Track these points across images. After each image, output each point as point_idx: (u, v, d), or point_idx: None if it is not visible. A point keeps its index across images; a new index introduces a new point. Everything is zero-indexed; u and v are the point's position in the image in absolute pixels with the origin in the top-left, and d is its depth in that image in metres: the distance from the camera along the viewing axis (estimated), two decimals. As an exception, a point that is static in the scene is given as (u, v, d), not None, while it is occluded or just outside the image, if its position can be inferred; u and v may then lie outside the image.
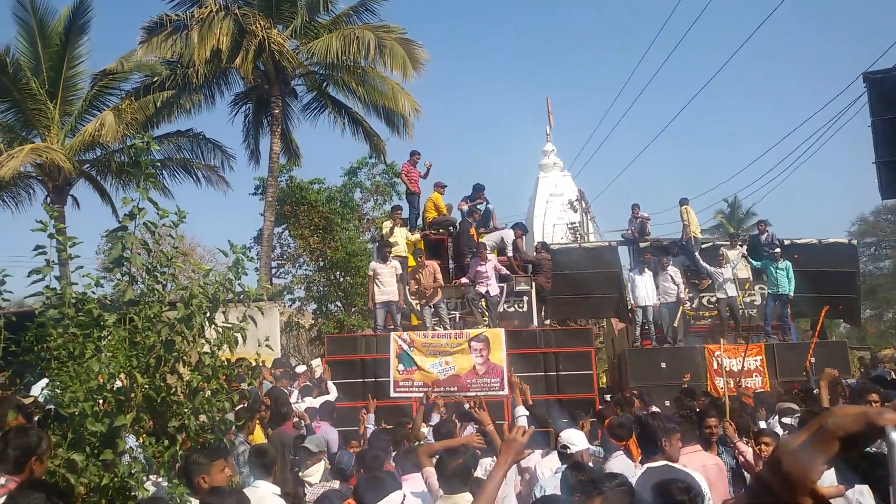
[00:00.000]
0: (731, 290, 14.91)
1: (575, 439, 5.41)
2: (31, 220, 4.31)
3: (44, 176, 20.96)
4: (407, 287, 13.02)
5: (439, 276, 12.84)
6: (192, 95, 21.60)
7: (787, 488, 0.88)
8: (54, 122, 20.80)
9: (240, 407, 6.63)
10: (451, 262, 14.71)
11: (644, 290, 14.63)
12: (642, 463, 4.85)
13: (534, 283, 13.97)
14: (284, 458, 7.02)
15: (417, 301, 12.82)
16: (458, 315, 13.72)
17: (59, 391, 4.40)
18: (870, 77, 8.75)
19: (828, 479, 1.58)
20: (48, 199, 21.07)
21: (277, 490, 5.01)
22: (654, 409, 9.29)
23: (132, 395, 4.49)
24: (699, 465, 4.95)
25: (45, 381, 6.69)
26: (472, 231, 14.24)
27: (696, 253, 16.05)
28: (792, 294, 14.58)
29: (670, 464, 4.56)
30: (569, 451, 5.27)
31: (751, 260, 15.65)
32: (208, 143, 22.79)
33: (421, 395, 11.74)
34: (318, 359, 12.56)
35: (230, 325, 5.04)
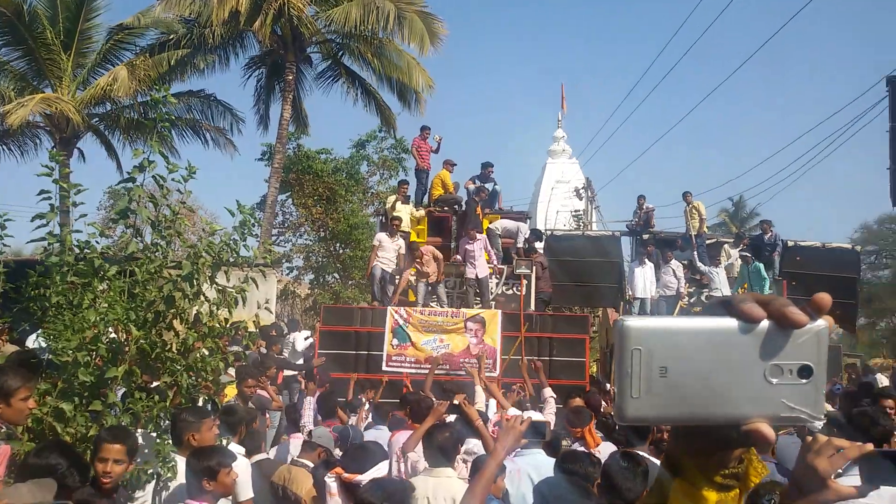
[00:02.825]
0: (725, 290, 14.87)
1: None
2: (36, 170, 4.27)
3: (52, 126, 20.90)
4: (408, 269, 12.98)
5: (439, 255, 12.79)
6: (207, 56, 21.49)
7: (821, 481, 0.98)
8: (66, 74, 20.71)
9: (244, 364, 6.68)
10: (453, 241, 14.67)
11: (643, 282, 14.62)
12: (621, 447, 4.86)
13: (534, 271, 13.90)
14: (260, 421, 7.10)
15: (417, 280, 12.78)
16: (455, 294, 13.71)
17: (52, 339, 4.40)
18: (893, 81, 8.63)
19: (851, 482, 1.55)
20: (55, 149, 21.00)
21: (241, 450, 5.03)
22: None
23: (126, 348, 4.50)
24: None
25: (39, 331, 6.73)
26: (479, 211, 14.20)
27: (699, 249, 16.02)
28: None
29: (634, 451, 4.55)
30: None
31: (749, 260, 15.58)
32: (219, 104, 22.71)
33: (412, 370, 11.79)
34: (302, 333, 12.45)
35: (231, 287, 5.04)
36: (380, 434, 6.65)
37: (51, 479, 2.85)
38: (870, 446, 1.42)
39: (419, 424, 5.67)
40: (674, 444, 0.94)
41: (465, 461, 5.37)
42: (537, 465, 4.73)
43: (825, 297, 0.84)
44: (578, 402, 7.30)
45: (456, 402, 5.58)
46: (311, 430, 5.44)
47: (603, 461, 3.84)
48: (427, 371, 10.24)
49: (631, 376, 0.82)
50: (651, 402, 0.82)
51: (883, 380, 14.68)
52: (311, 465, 5.09)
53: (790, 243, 16.36)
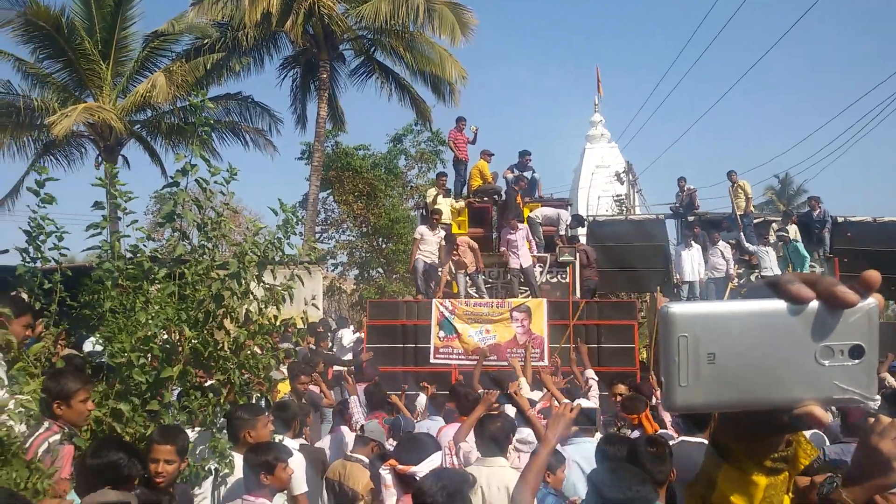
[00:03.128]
0: (776, 269, 14.56)
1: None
2: (83, 179, 4.36)
3: (95, 135, 21.32)
4: (447, 262, 12.98)
5: (474, 245, 12.74)
6: (242, 58, 21.76)
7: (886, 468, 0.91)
8: (106, 83, 21.09)
9: (296, 361, 6.76)
10: (494, 231, 14.61)
11: (690, 264, 14.39)
12: (679, 435, 4.77)
13: (577, 258, 13.76)
14: (314, 417, 7.17)
15: (456, 271, 12.76)
16: (499, 284, 13.66)
17: (107, 343, 4.49)
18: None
19: None
20: (100, 158, 21.46)
21: (296, 444, 5.10)
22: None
23: (179, 348, 4.57)
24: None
25: (95, 335, 6.86)
26: (518, 199, 14.12)
27: (746, 229, 15.72)
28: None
29: (658, 434, 4.47)
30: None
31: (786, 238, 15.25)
32: (256, 106, 22.95)
33: (460, 362, 11.79)
34: (350, 329, 12.47)
35: (278, 284, 5.08)
36: (432, 425, 6.65)
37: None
38: None
39: (466, 416, 5.66)
40: (722, 429, 0.91)
41: (517, 450, 5.34)
42: (586, 454, 4.68)
43: (874, 275, 0.82)
44: (622, 388, 7.21)
45: (508, 391, 5.56)
46: (362, 425, 5.45)
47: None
48: (475, 362, 10.22)
49: (678, 364, 0.80)
50: (700, 390, 0.80)
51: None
52: (366, 459, 5.11)
53: (840, 219, 15.97)
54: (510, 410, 5.87)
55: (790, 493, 0.94)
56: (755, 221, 16.34)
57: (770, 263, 14.57)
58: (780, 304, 0.80)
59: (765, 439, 0.89)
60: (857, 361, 0.80)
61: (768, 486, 0.89)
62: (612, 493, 2.85)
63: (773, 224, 16.41)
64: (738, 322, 0.80)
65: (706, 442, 3.91)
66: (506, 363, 10.79)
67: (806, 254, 14.61)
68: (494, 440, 4.30)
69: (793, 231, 15.43)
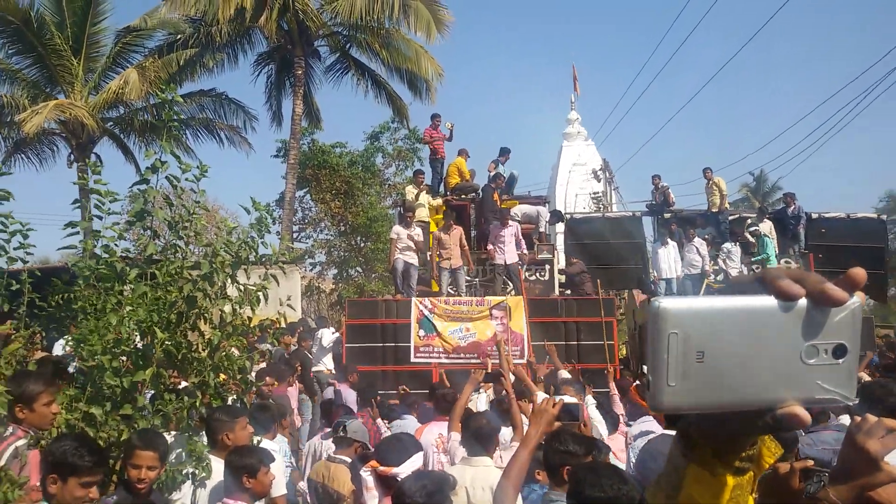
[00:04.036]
0: (735, 269, 14.63)
1: None
2: (55, 178, 4.27)
3: (67, 133, 21.00)
4: (429, 251, 12.91)
5: (465, 242, 12.72)
6: (216, 54, 21.50)
7: (871, 465, 0.89)
8: (78, 79, 20.77)
9: (274, 363, 6.67)
10: (472, 229, 14.56)
11: (667, 261, 14.45)
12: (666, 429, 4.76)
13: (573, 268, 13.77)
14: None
15: (437, 261, 12.67)
16: (478, 282, 13.63)
17: (78, 345, 4.37)
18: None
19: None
20: (72, 156, 21.14)
21: (276, 447, 5.03)
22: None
23: (152, 350, 4.46)
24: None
25: (66, 337, 6.72)
26: (496, 197, 14.08)
27: (721, 225, 15.84)
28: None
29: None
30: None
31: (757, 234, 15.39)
32: (231, 103, 22.72)
33: (441, 361, 11.73)
34: (330, 329, 12.29)
35: (252, 285, 4.98)
36: (405, 423, 6.58)
37: None
38: None
39: (445, 416, 5.61)
40: (697, 429, 0.88)
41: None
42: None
43: (860, 272, 0.78)
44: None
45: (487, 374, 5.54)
46: (344, 425, 5.35)
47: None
48: (455, 361, 10.24)
49: (667, 362, 0.77)
50: (687, 390, 0.77)
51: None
52: (349, 460, 5.04)
53: (814, 215, 16.16)
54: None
55: (754, 493, 0.93)
56: (730, 218, 16.47)
57: (737, 259, 14.67)
58: (770, 301, 0.77)
59: (739, 440, 0.86)
60: (839, 361, 0.78)
61: (735, 486, 0.87)
62: (593, 492, 2.80)
63: (748, 220, 16.54)
64: (728, 319, 0.77)
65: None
66: (483, 360, 10.76)
67: (770, 252, 14.73)
68: (479, 438, 4.24)
69: (767, 227, 15.55)
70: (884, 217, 19.06)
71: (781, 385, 0.78)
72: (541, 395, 6.33)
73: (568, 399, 5.53)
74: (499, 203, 14.02)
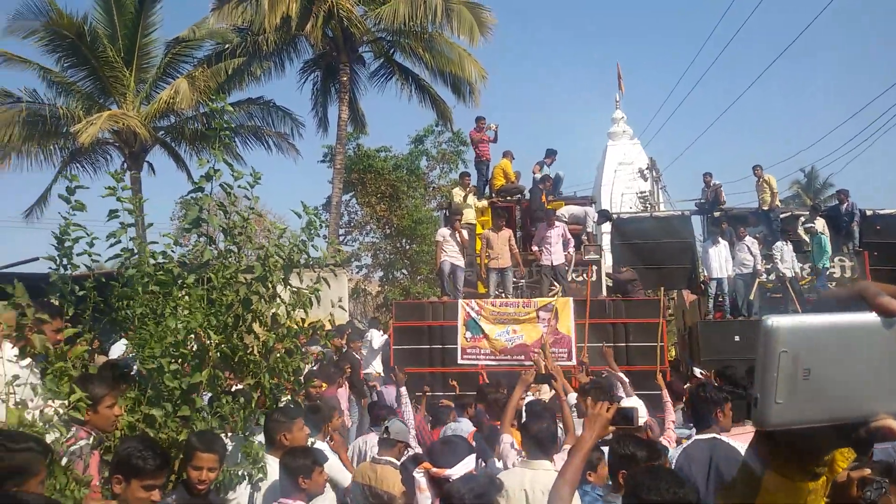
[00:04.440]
0: (788, 267, 14.34)
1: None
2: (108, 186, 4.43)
3: (120, 142, 21.53)
4: (476, 253, 12.95)
5: (514, 243, 12.73)
6: (262, 63, 21.85)
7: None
8: (130, 90, 21.28)
9: (324, 365, 6.76)
10: (518, 230, 14.55)
11: (718, 261, 14.20)
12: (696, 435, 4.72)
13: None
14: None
15: (486, 262, 12.70)
16: (524, 283, 13.60)
17: (138, 349, 4.50)
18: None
19: None
20: (125, 165, 21.68)
21: (327, 447, 5.09)
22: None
23: (209, 353, 4.56)
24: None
25: (123, 341, 6.90)
26: (543, 198, 14.04)
27: (773, 223, 15.56)
28: (822, 266, 14.25)
29: (717, 436, 4.40)
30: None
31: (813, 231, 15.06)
32: (278, 110, 23.07)
33: (488, 362, 11.75)
34: (379, 331, 12.37)
35: (304, 287, 5.07)
36: (459, 426, 6.61)
37: None
38: None
39: (497, 421, 5.61)
40: (781, 439, 0.87)
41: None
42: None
43: None
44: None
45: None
46: (387, 427, 5.40)
47: None
48: (503, 362, 10.23)
49: (777, 381, 0.78)
50: (793, 407, 0.79)
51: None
52: (394, 460, 5.08)
53: (869, 212, 15.75)
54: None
55: (826, 497, 0.94)
56: (782, 216, 16.16)
57: (788, 258, 14.37)
58: (872, 318, 0.78)
59: (827, 450, 0.87)
60: None
61: (811, 491, 0.88)
62: (651, 496, 2.79)
63: (801, 218, 16.21)
64: (833, 336, 0.78)
65: (716, 436, 3.86)
66: (531, 363, 10.73)
67: (829, 249, 14.44)
68: (538, 442, 4.24)
69: (820, 225, 15.23)
70: (942, 212, 18.52)
71: (882, 398, 0.79)
72: (572, 397, 6.29)
73: (626, 402, 5.50)
74: (546, 204, 13.99)
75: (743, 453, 3.15)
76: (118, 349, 7.32)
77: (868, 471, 2.08)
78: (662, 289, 13.70)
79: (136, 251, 4.76)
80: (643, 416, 5.32)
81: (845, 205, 15.74)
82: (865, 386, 0.78)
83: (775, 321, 0.78)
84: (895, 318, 0.78)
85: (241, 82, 21.86)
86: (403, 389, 6.60)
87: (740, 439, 4.52)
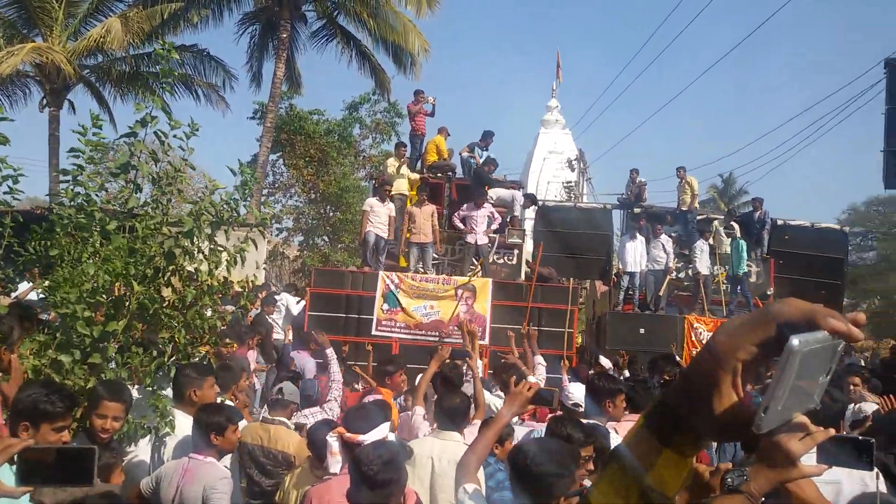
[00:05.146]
0: (704, 266, 14.94)
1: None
2: (25, 121, 4.28)
3: (42, 77, 20.58)
4: (401, 225, 12.97)
5: (436, 220, 12.82)
6: (201, 10, 21.18)
7: (714, 359, 0.89)
8: (58, 23, 20.30)
9: (235, 325, 6.70)
10: (446, 208, 14.64)
11: (633, 255, 14.65)
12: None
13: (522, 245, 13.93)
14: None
15: (408, 236, 12.76)
16: (446, 261, 13.73)
17: (52, 292, 4.39)
18: (892, 64, 8.57)
19: (808, 461, 1.66)
20: (45, 100, 20.76)
21: (231, 404, 5.09)
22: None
23: (126, 302, 4.50)
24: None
25: (27, 284, 6.68)
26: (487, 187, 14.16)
27: (690, 224, 16.14)
28: (741, 273, 14.86)
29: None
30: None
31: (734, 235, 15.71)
32: (212, 60, 22.42)
33: (402, 336, 11.86)
34: (295, 299, 12.25)
35: (231, 246, 5.04)
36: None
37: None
38: (832, 431, 1.49)
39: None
40: (685, 425, 0.95)
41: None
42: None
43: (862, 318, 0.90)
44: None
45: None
46: (280, 387, 5.45)
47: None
48: (418, 337, 10.36)
49: (784, 394, 0.85)
50: (778, 415, 0.87)
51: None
52: (287, 420, 5.15)
53: (779, 222, 16.44)
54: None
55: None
56: (698, 218, 16.75)
57: (706, 258, 14.95)
58: (833, 339, 0.85)
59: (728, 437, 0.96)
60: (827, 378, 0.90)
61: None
62: (537, 468, 2.93)
63: (715, 222, 16.83)
64: (815, 351, 0.85)
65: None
66: (449, 340, 10.90)
67: (745, 255, 15.06)
68: (451, 415, 4.37)
69: (737, 230, 15.89)
70: (846, 229, 19.55)
71: (804, 402, 0.89)
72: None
73: (573, 388, 5.58)
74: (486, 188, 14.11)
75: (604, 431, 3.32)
76: (22, 289, 7.09)
77: (730, 465, 2.30)
78: (574, 278, 14.04)
79: (58, 192, 4.64)
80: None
81: (758, 212, 16.38)
82: (804, 392, 0.88)
83: (800, 343, 0.83)
84: (837, 339, 0.85)
85: (175, 28, 21.05)
86: (330, 351, 6.60)
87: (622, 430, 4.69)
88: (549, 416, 5.20)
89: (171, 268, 4.69)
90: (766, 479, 1.72)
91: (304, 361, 9.03)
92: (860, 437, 2.42)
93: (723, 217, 16.79)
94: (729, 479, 2.15)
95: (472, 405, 5.01)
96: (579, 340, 15.74)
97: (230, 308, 6.33)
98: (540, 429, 5.19)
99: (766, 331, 0.87)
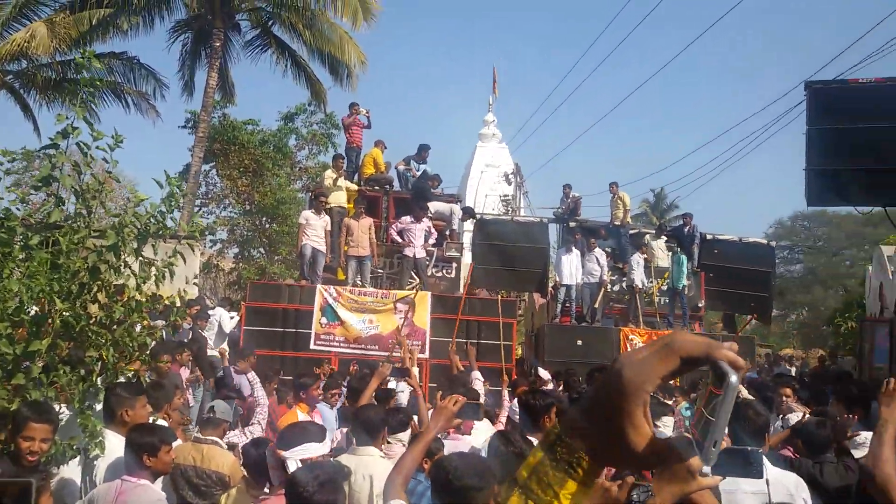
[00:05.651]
0: (639, 279, 15.25)
1: None
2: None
3: (-40, 81, 19.77)
4: (339, 237, 12.86)
5: (373, 233, 12.77)
6: (131, 17, 20.63)
7: (623, 395, 0.91)
8: (-22, 26, 19.55)
9: (168, 342, 6.53)
10: (384, 221, 14.58)
11: (569, 268, 14.86)
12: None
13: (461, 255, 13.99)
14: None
15: (346, 249, 12.66)
16: (384, 274, 13.66)
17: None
18: (811, 86, 8.87)
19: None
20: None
21: (164, 423, 4.95)
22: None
23: (49, 320, 4.32)
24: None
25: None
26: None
27: (623, 238, 16.44)
28: (681, 286, 15.22)
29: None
30: None
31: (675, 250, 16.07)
32: (142, 68, 21.87)
33: (341, 350, 11.72)
34: (230, 314, 12.04)
35: (158, 260, 4.88)
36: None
37: None
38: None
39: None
40: (610, 458, 0.98)
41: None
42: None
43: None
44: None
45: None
46: (212, 406, 5.32)
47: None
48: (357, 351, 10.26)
49: (724, 428, 0.91)
50: (718, 447, 0.92)
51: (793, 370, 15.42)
52: (219, 440, 5.02)
53: (709, 236, 16.86)
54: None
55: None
56: (630, 232, 17.09)
57: (640, 271, 15.25)
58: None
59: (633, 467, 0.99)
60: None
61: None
62: (459, 482, 2.90)
63: (647, 236, 17.18)
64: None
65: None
66: (387, 354, 10.83)
67: (686, 269, 15.38)
68: (366, 428, 4.32)
69: (663, 244, 16.27)
70: (773, 243, 20.22)
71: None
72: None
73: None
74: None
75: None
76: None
77: (633, 478, 2.33)
78: (511, 292, 14.13)
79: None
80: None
81: (688, 227, 16.77)
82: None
83: (736, 379, 0.88)
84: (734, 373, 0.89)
85: (104, 34, 20.49)
86: (252, 374, 6.51)
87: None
88: (495, 430, 5.22)
89: (96, 283, 4.50)
90: (670, 492, 1.77)
91: (241, 379, 8.84)
92: (749, 448, 2.50)
93: (654, 231, 17.12)
94: (635, 496, 2.17)
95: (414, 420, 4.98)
96: (519, 353, 15.84)
97: (160, 323, 6.16)
98: (467, 441, 5.19)
99: (671, 364, 0.91)
